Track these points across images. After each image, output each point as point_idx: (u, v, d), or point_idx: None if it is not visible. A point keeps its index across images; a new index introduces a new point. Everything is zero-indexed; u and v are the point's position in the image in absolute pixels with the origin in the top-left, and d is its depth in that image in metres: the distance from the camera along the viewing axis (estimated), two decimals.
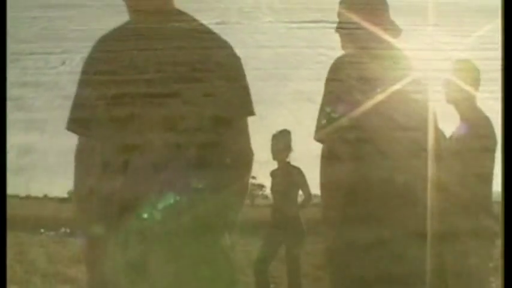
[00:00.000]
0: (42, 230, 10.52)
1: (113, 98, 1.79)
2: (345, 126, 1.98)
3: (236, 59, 1.88)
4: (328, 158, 2.03)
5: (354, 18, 2.18)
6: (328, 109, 2.01)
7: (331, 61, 2.09)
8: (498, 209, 3.40)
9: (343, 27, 2.23)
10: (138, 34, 1.86)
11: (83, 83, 1.90)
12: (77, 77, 1.94)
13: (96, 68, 1.87)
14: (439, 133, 2.24)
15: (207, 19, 1.95)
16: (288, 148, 5.24)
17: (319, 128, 2.05)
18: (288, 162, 5.28)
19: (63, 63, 2.42)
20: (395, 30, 2.22)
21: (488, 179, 3.14)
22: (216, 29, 1.92)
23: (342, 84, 1.99)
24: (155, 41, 1.84)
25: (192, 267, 1.76)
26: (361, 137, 1.98)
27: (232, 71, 1.85)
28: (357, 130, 1.97)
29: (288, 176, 5.20)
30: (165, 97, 1.78)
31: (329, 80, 2.04)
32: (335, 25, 3.11)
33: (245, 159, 1.89)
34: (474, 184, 3.07)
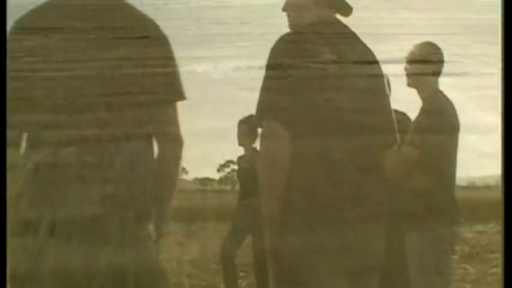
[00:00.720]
0: None
1: None
2: (283, 108, 1.88)
3: (164, 40, 1.80)
4: (267, 141, 1.95)
5: None
6: (267, 92, 1.92)
7: None
8: (460, 193, 3.37)
9: (293, 5, 2.13)
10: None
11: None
12: None
13: None
14: (393, 114, 2.16)
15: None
16: (254, 133, 5.14)
17: (258, 113, 1.96)
18: (255, 148, 5.20)
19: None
20: (346, 9, 2.14)
21: (451, 161, 3.11)
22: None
23: (282, 66, 1.90)
24: None
25: (113, 254, 1.68)
26: (301, 118, 1.90)
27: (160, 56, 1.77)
28: (296, 112, 1.89)
29: (254, 162, 5.11)
30: None
31: (269, 62, 1.94)
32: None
33: (173, 146, 1.82)
34: (437, 166, 3.03)
